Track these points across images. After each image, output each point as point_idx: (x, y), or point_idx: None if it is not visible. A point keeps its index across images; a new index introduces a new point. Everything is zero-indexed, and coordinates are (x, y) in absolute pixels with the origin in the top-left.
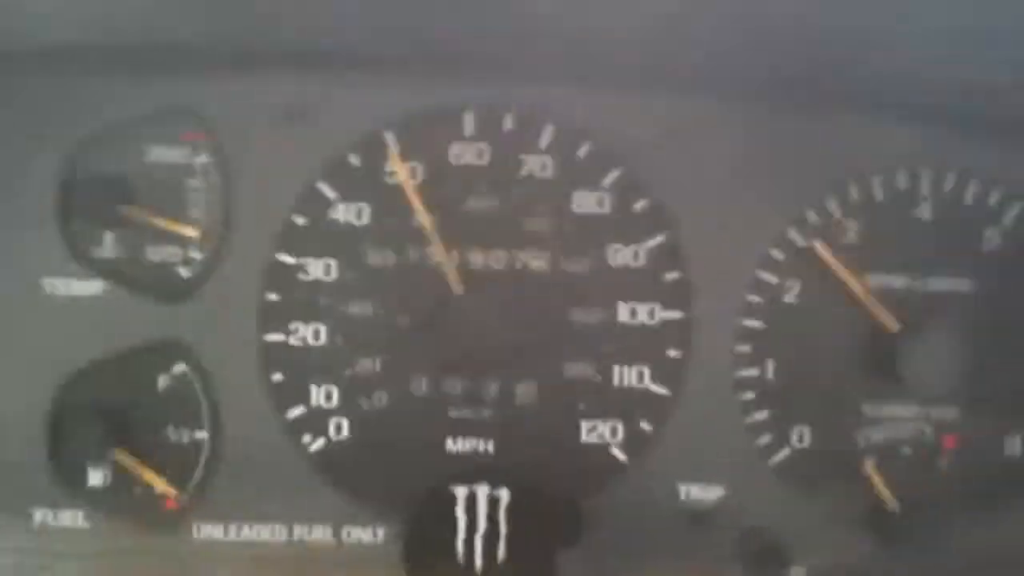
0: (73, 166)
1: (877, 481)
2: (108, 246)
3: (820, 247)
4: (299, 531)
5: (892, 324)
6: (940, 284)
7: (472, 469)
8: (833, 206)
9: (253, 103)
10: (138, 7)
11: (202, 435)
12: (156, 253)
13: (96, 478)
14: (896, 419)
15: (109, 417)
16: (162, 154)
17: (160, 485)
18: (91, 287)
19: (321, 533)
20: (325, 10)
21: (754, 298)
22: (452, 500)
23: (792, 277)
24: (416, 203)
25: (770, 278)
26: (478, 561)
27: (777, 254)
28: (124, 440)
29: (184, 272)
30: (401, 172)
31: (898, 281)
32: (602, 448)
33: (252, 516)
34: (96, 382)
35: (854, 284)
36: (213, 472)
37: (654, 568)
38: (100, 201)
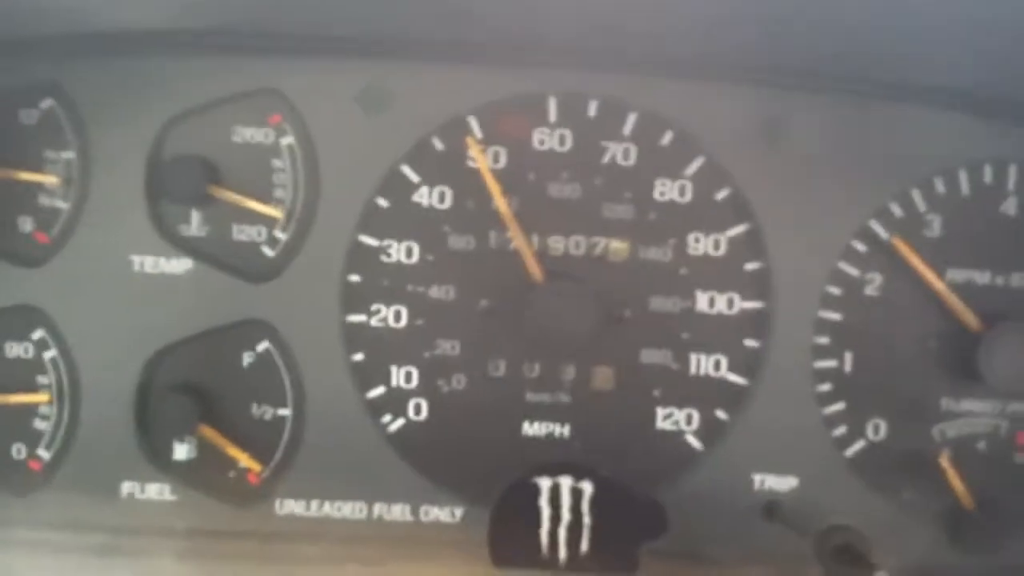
0: (161, 146)
1: (952, 476)
2: (195, 225)
3: (899, 243)
4: (378, 509)
5: (973, 322)
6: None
7: (554, 461)
8: (918, 199)
9: (338, 87)
10: None
11: (285, 412)
12: (242, 233)
13: (182, 452)
14: (972, 414)
15: (195, 393)
16: (248, 135)
17: (244, 460)
18: (179, 265)
19: (400, 512)
20: None
21: (834, 290)
22: (535, 491)
23: (873, 270)
24: (494, 189)
25: (851, 270)
26: (562, 552)
27: (859, 246)
28: (209, 416)
29: (269, 252)
30: (479, 158)
31: (981, 277)
32: (677, 435)
33: (333, 493)
34: (183, 359)
35: (934, 281)
36: (295, 449)
37: (727, 557)
38: (187, 181)
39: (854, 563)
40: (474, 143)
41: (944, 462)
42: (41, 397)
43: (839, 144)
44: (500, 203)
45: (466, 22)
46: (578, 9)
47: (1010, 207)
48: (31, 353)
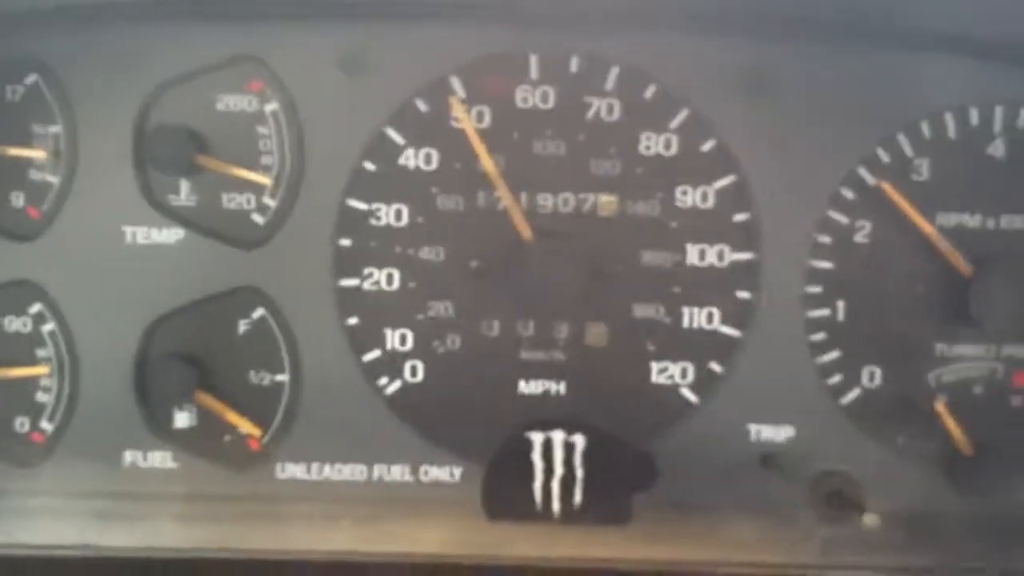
0: (147, 117)
1: (949, 421)
2: (184, 194)
3: (888, 188)
4: (378, 471)
5: (963, 266)
6: (1013, 222)
7: (547, 416)
8: (904, 144)
9: (318, 51)
10: None
11: (282, 378)
12: (231, 201)
13: (182, 420)
14: (967, 358)
15: (192, 361)
16: (232, 103)
17: (244, 426)
18: (170, 235)
19: (399, 473)
20: None
21: (824, 238)
22: (528, 446)
23: (863, 217)
24: (480, 148)
25: (840, 218)
26: (555, 505)
27: (847, 193)
28: (208, 383)
29: (259, 219)
30: (463, 118)
31: (971, 220)
32: (672, 389)
33: (333, 456)
34: (179, 328)
35: (924, 225)
36: (294, 414)
37: (725, 509)
38: (174, 150)
39: (846, 507)
40: (458, 103)
41: (940, 407)
42: (41, 370)
43: (823, 92)
44: (487, 163)
45: None
46: None
47: (997, 149)
48: (29, 327)
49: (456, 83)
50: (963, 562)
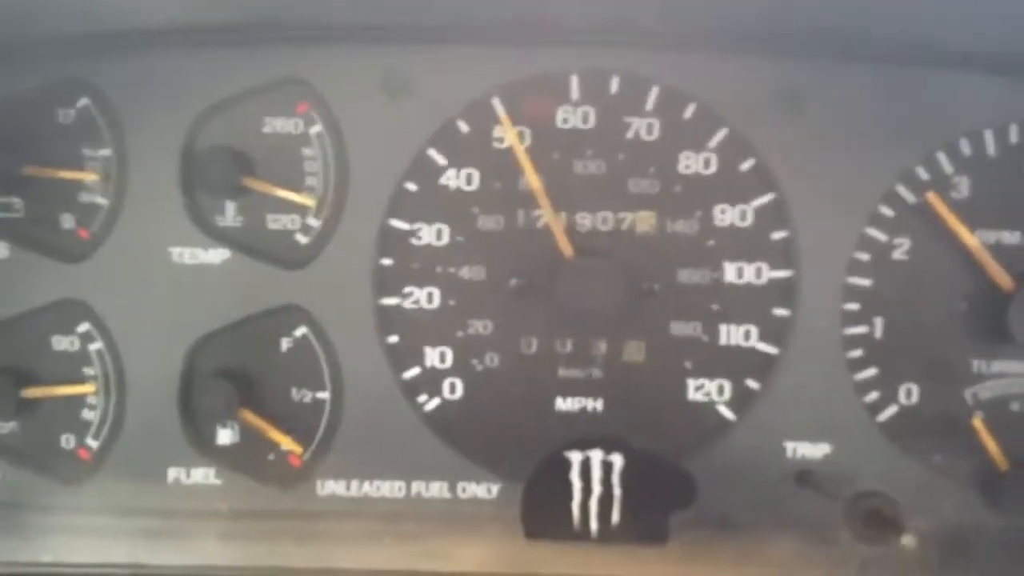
0: (194, 140)
1: (987, 438)
2: (230, 216)
3: (934, 199)
4: (417, 487)
5: (1006, 281)
6: None
7: (584, 434)
8: (943, 161)
9: (361, 73)
10: None
11: (324, 395)
12: (275, 221)
13: (225, 437)
14: (1006, 375)
15: (236, 379)
16: (278, 125)
17: (286, 443)
18: (216, 255)
19: (438, 489)
20: None
21: (862, 256)
22: (566, 466)
23: (901, 234)
24: (527, 166)
25: (878, 235)
26: (593, 524)
27: (886, 211)
28: (250, 401)
29: (302, 239)
30: (511, 136)
31: (1011, 237)
32: (709, 406)
33: (372, 473)
34: (223, 346)
35: (968, 238)
36: (335, 431)
37: (761, 527)
38: (221, 172)
39: (883, 528)
40: (507, 121)
41: (977, 422)
42: (88, 388)
43: (861, 110)
44: (532, 180)
45: (485, 3)
46: None
47: None
48: (77, 346)
49: (497, 104)
50: None
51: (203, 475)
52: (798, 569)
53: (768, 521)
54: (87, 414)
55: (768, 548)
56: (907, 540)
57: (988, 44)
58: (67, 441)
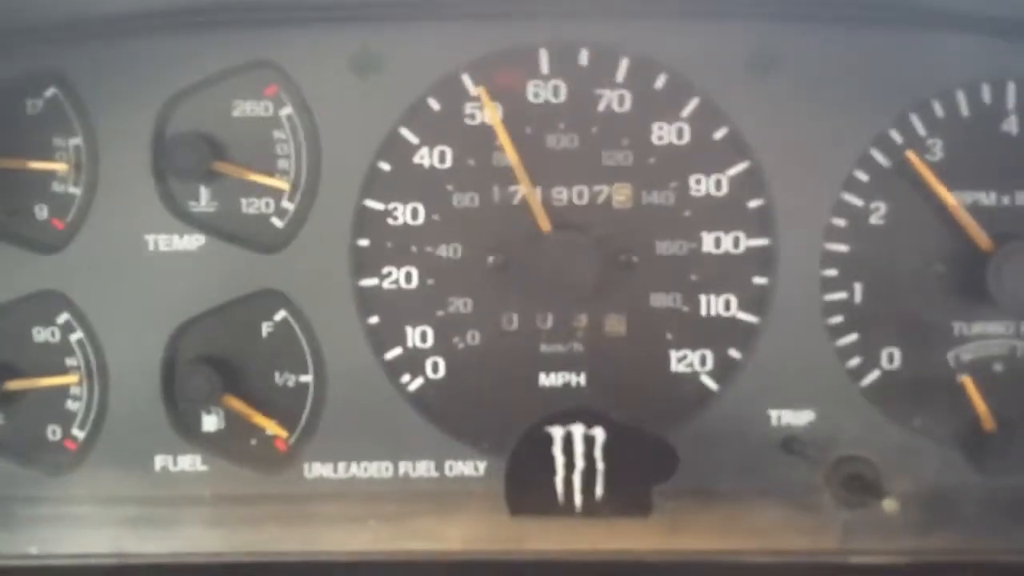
0: (164, 126)
1: (976, 398)
2: (204, 201)
3: (913, 157)
4: (404, 467)
5: (985, 241)
6: None
7: (566, 409)
8: (917, 123)
9: (330, 53)
10: None
11: (307, 379)
12: (250, 205)
13: (210, 424)
14: (987, 336)
15: (218, 365)
16: (248, 108)
17: (271, 427)
18: (192, 241)
19: (425, 469)
20: None
21: (839, 221)
22: (549, 440)
23: (877, 198)
24: (505, 140)
25: (855, 200)
26: (577, 498)
27: (861, 175)
28: (234, 387)
29: (278, 223)
30: (490, 111)
31: (986, 198)
32: (692, 377)
33: (358, 454)
34: (204, 333)
35: (947, 197)
36: (319, 414)
37: (746, 496)
38: (192, 157)
39: (864, 491)
40: (485, 95)
41: (968, 383)
42: (71, 379)
43: (832, 73)
44: (511, 154)
45: None
46: None
47: (1011, 125)
48: (58, 337)
49: (467, 80)
50: (984, 542)
51: (190, 462)
52: (783, 536)
53: (752, 490)
54: (71, 404)
55: (753, 516)
56: (888, 504)
57: (960, 2)
58: (53, 432)
